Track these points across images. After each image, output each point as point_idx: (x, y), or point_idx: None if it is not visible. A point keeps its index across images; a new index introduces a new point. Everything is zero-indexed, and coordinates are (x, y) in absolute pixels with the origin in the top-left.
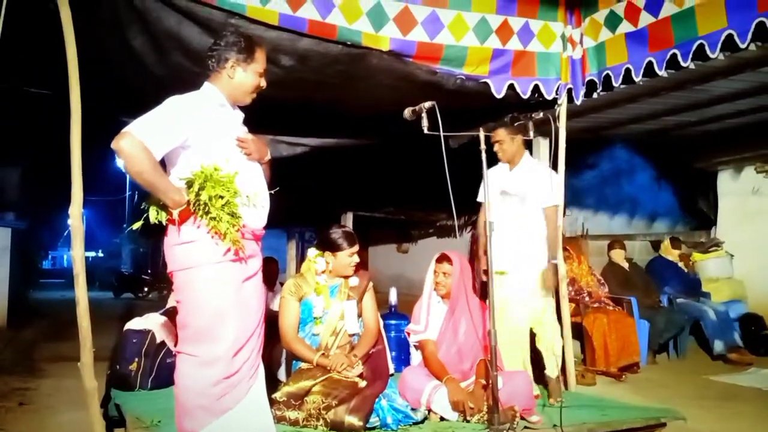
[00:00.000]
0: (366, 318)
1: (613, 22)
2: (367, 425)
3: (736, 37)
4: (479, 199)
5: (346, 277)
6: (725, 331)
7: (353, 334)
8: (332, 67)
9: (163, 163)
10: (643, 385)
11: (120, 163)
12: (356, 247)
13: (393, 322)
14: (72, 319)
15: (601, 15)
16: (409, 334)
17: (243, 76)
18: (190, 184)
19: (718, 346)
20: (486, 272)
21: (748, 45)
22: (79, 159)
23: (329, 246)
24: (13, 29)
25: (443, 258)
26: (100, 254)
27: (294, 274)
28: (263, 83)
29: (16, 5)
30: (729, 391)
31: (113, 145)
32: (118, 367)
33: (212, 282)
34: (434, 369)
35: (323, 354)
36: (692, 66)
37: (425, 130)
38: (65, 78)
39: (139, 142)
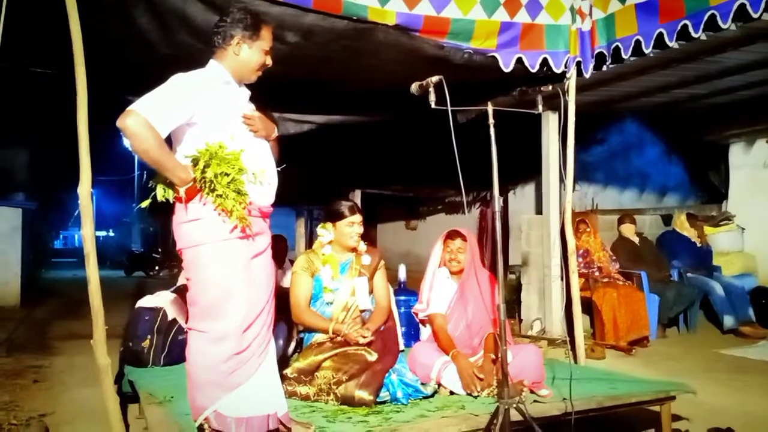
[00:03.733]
0: (378, 295)
1: None
2: (378, 400)
3: (748, 7)
4: None
5: (354, 251)
6: (736, 306)
7: (364, 310)
8: (338, 43)
9: (169, 141)
10: (653, 359)
11: (126, 141)
12: (356, 217)
13: (402, 298)
14: (84, 297)
15: None
16: (416, 314)
17: (249, 54)
18: (195, 162)
19: (728, 321)
20: None
21: (761, 15)
22: (86, 138)
23: (331, 216)
24: (18, 8)
25: (455, 234)
26: (111, 233)
27: (305, 251)
28: (269, 61)
29: None
30: (739, 365)
31: (118, 123)
32: (130, 344)
33: (220, 259)
34: (443, 342)
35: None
36: (703, 37)
37: (432, 105)
38: (71, 57)
39: (144, 120)
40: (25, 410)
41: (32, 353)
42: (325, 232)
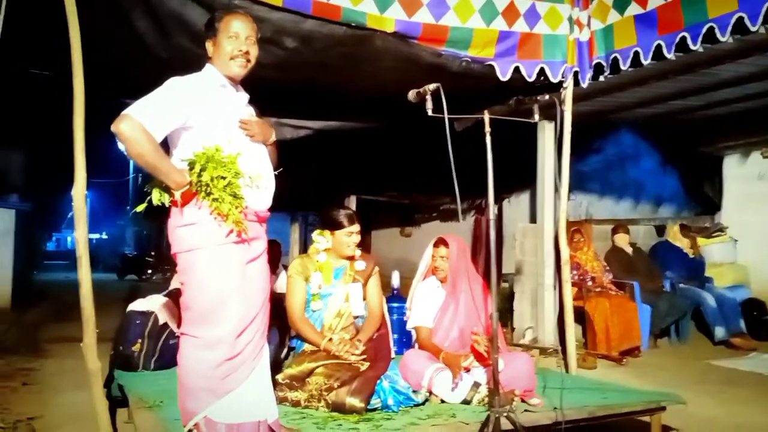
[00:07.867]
0: (371, 302)
1: (621, 4)
2: (369, 407)
3: (746, 20)
4: None
5: (351, 259)
6: (728, 317)
7: (357, 317)
8: (336, 49)
9: (165, 145)
10: (644, 369)
11: (120, 146)
12: (355, 227)
13: (395, 305)
14: (75, 300)
15: None
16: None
17: (218, 49)
18: (191, 166)
19: (719, 332)
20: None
21: (759, 28)
22: (82, 141)
23: (329, 224)
24: (17, 11)
25: (440, 242)
26: (104, 236)
27: (300, 255)
28: (244, 47)
29: None
30: (730, 376)
31: (113, 128)
32: (121, 348)
33: (215, 264)
34: (430, 351)
35: (330, 339)
36: (701, 49)
37: (429, 113)
38: (69, 60)
39: (139, 124)
40: (13, 413)
41: (22, 356)
42: (322, 239)
